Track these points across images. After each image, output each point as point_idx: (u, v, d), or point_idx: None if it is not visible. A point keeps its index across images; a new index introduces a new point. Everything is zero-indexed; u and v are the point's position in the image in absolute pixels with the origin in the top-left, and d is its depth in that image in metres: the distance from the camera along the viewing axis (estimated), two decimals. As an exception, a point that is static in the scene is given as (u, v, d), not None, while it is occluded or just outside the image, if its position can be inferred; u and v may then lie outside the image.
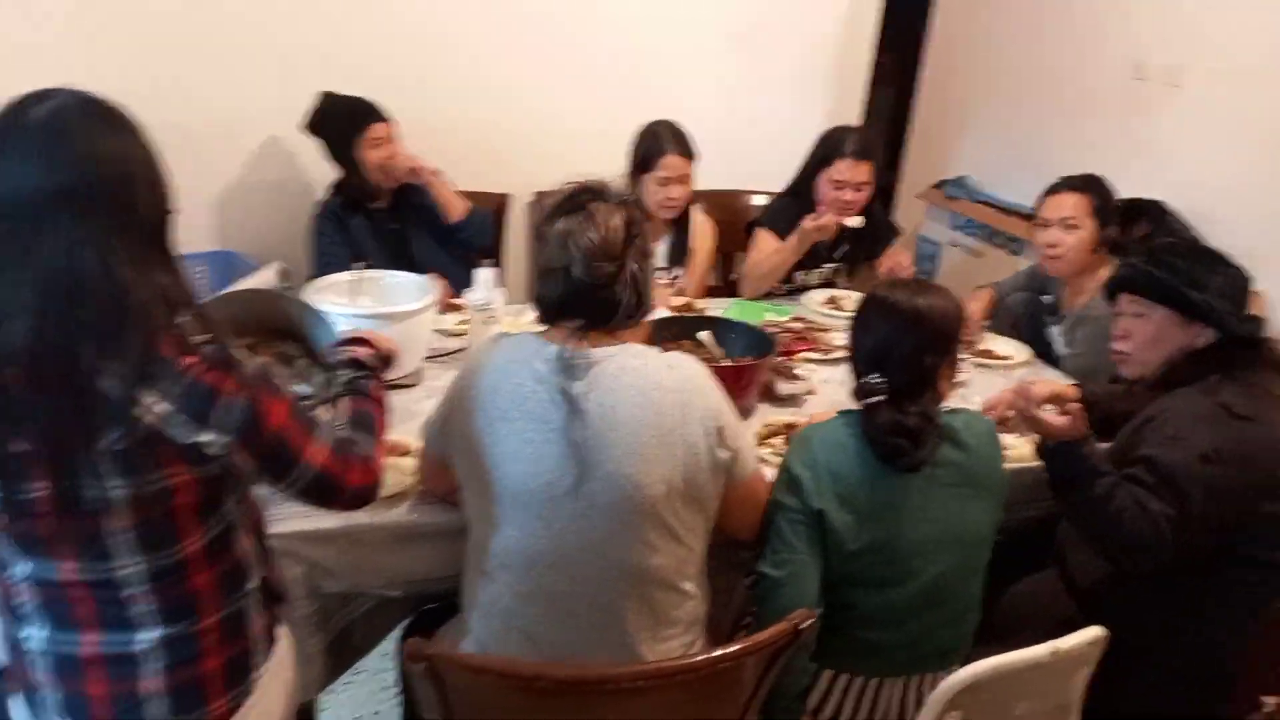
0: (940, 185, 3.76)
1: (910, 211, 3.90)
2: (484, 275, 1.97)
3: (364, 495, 1.15)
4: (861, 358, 1.45)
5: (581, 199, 1.32)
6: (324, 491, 1.11)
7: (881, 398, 1.40)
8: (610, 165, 2.50)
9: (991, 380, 2.16)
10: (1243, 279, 1.62)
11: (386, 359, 1.42)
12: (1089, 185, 2.25)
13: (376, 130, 2.41)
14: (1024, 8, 3.42)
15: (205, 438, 0.99)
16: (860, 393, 1.43)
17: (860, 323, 1.47)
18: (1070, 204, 2.22)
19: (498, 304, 2.01)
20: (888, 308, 1.43)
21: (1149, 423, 1.57)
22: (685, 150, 2.46)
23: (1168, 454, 1.49)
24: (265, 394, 1.04)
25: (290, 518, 1.39)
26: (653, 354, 1.33)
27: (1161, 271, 1.62)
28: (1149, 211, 2.74)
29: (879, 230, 2.68)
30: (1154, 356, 1.64)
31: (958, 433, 1.43)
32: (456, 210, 2.52)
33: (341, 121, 2.42)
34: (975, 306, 2.43)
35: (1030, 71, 3.41)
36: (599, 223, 1.29)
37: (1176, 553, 1.46)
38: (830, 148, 2.52)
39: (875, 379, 1.41)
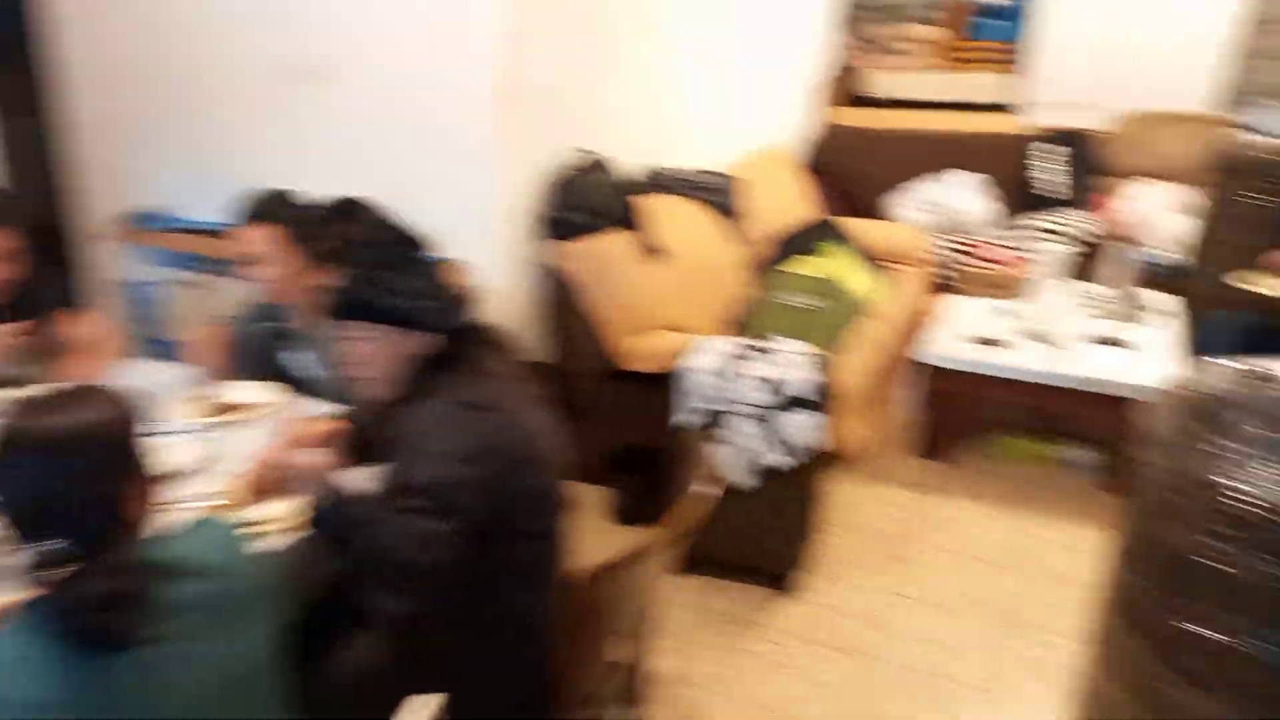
0: (134, 221, 3.25)
1: (109, 255, 3.32)
2: None
3: None
4: (19, 521, 1.04)
5: None
6: None
7: (68, 566, 1.01)
8: None
9: (250, 438, 1.87)
10: (435, 270, 1.62)
11: None
12: (273, 214, 2.10)
13: None
14: (148, 8, 3.04)
15: None
16: (35, 570, 1.02)
17: (2, 475, 1.04)
18: (260, 238, 2.07)
19: None
20: (29, 446, 1.04)
21: (406, 446, 1.48)
22: None
23: (428, 471, 1.43)
24: None
25: None
26: None
27: (367, 291, 1.54)
28: (349, 210, 2.70)
29: (38, 293, 2.17)
30: (393, 372, 1.56)
31: (188, 560, 1.12)
32: None
33: None
34: (209, 357, 2.17)
35: (183, 82, 3.09)
36: None
37: (466, 561, 1.42)
38: None
39: (49, 545, 1.01)
